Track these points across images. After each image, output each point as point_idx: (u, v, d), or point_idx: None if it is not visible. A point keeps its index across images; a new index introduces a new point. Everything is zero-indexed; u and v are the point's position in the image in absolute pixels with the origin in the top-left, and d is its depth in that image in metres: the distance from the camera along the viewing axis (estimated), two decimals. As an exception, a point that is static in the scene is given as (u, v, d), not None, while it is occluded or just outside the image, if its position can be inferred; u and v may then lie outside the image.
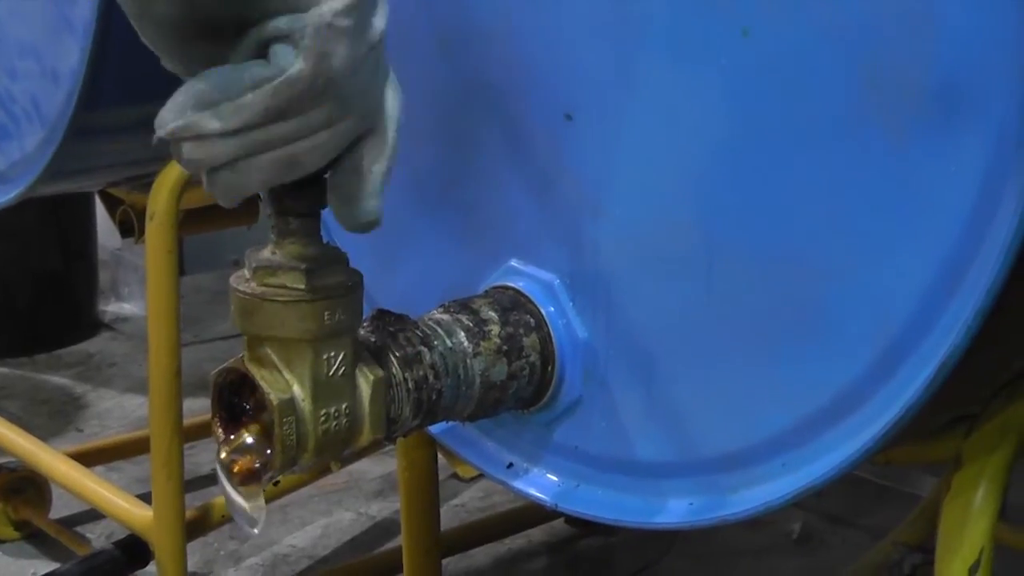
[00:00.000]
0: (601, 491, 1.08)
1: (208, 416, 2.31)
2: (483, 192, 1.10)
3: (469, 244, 1.12)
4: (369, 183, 0.86)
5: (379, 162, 0.86)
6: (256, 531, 0.90)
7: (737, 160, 0.95)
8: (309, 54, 0.79)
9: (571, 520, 2.29)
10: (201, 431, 2.32)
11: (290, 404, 0.89)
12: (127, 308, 3.42)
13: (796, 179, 0.91)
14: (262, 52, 0.81)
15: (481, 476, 2.46)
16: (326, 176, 0.88)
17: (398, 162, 0.88)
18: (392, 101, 0.87)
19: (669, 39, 0.96)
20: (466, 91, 1.10)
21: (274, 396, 0.88)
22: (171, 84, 0.85)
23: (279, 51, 0.80)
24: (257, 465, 0.89)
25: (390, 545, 2.25)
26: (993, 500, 0.98)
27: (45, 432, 2.53)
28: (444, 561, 1.56)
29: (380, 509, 2.41)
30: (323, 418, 0.90)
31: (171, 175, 1.63)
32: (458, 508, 2.40)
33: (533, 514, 2.21)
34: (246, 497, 0.89)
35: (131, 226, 1.97)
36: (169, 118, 0.82)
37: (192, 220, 1.80)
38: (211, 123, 0.81)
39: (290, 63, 0.79)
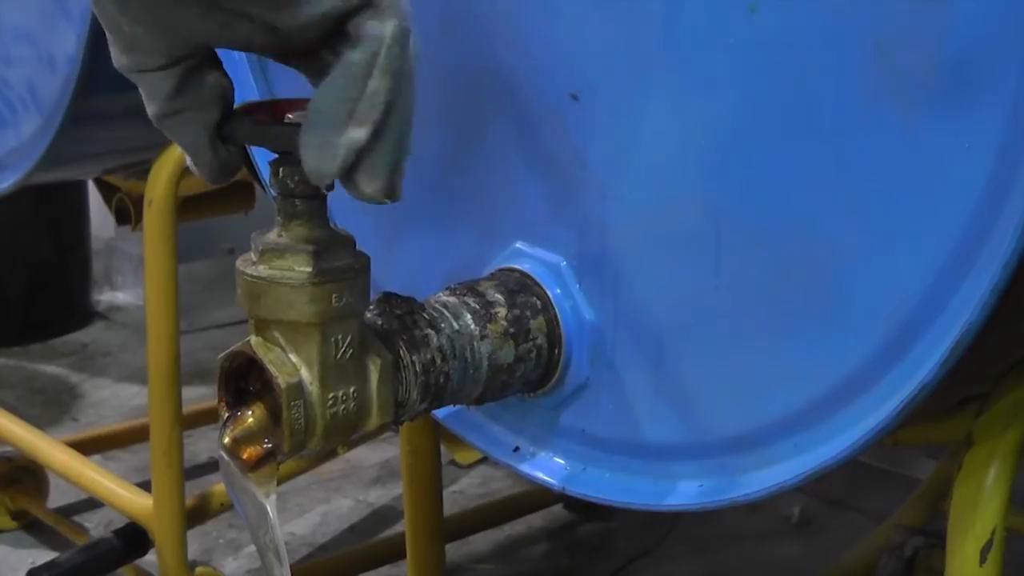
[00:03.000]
0: (609, 474, 1.07)
1: (206, 404, 2.34)
2: (488, 173, 1.09)
3: (474, 226, 1.11)
4: None
5: None
6: (270, 519, 0.89)
7: (746, 138, 0.93)
8: (393, 6, 0.77)
9: (570, 506, 2.29)
10: (199, 419, 2.33)
11: (298, 388, 0.88)
12: (121, 297, 3.41)
13: (807, 157, 0.90)
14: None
15: (480, 462, 2.47)
16: None
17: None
18: None
19: (676, 17, 0.95)
20: (470, 72, 1.09)
21: (282, 380, 0.88)
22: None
23: (362, 22, 0.77)
24: (266, 449, 0.88)
25: (389, 532, 2.25)
26: (1005, 480, 0.97)
27: (40, 422, 2.53)
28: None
29: (379, 496, 2.40)
30: (331, 402, 0.89)
31: (169, 161, 1.63)
32: (457, 495, 2.39)
33: (532, 500, 2.21)
34: (256, 484, 0.89)
35: (127, 214, 1.97)
36: (325, 166, 0.79)
37: (189, 207, 1.79)
38: (359, 132, 0.78)
39: (380, 27, 0.77)
